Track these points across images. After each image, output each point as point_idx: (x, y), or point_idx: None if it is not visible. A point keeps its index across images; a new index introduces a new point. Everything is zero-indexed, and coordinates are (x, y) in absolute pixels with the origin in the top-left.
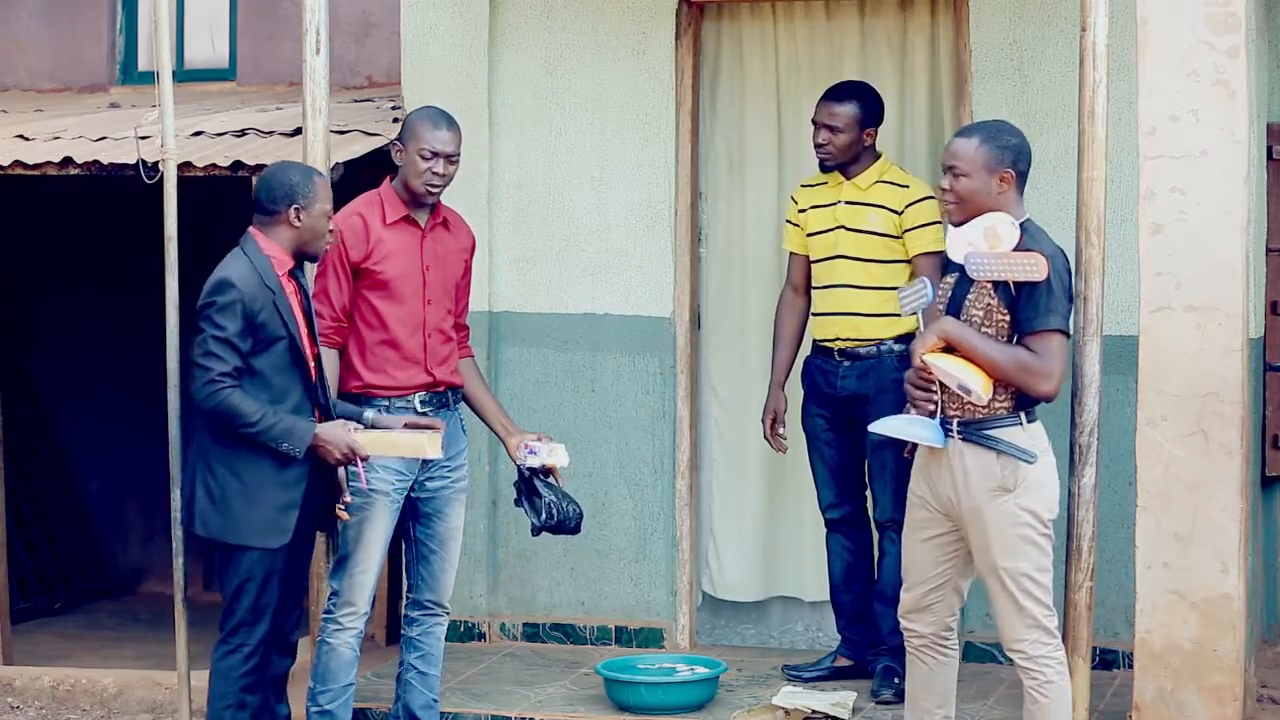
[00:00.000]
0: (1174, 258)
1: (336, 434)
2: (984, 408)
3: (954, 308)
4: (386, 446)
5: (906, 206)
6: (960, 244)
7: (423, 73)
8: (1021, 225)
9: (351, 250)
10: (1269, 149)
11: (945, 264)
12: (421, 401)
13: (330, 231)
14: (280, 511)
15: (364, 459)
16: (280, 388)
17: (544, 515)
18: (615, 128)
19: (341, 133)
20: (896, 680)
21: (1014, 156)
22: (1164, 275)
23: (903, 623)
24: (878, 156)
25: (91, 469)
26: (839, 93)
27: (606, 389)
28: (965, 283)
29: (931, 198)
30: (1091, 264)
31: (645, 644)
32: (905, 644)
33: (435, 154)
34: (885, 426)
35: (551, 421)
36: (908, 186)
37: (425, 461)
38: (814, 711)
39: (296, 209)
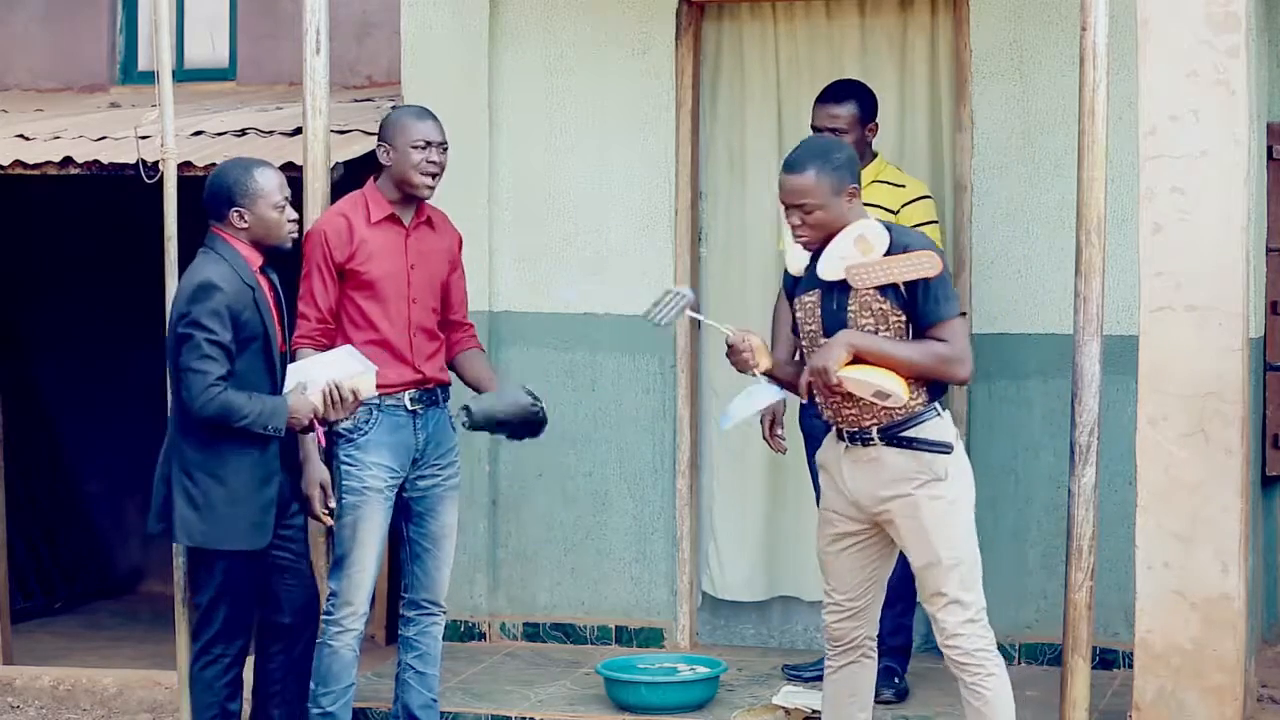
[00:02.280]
0: (1174, 258)
1: (300, 402)
2: (902, 408)
3: (835, 323)
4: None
5: (903, 206)
6: (834, 261)
7: (423, 73)
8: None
9: (336, 251)
10: (1269, 149)
11: (792, 284)
12: (412, 399)
13: (290, 221)
14: (263, 511)
15: (323, 422)
16: (253, 387)
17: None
18: (615, 128)
19: (341, 133)
20: (896, 680)
21: (850, 170)
22: (1164, 275)
23: (834, 631)
24: (874, 156)
25: (91, 469)
26: (836, 94)
27: (606, 389)
28: (838, 297)
29: (928, 197)
30: (1091, 264)
31: (645, 644)
32: (829, 654)
33: (429, 143)
34: (734, 415)
35: (551, 421)
36: (904, 186)
37: (415, 459)
38: (814, 711)
39: (238, 211)
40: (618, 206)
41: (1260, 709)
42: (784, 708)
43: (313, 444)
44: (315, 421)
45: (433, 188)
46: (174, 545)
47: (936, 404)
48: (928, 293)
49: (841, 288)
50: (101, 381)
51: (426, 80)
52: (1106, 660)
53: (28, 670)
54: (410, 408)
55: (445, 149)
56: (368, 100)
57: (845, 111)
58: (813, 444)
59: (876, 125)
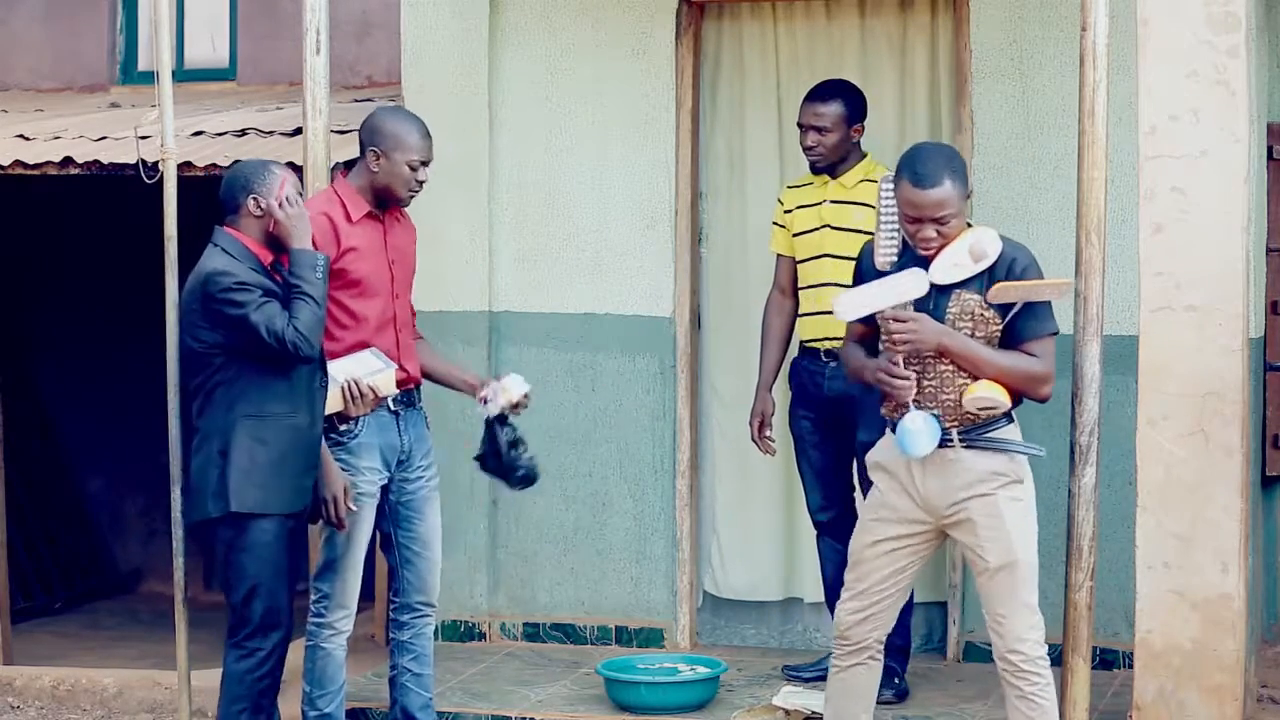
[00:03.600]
0: (1174, 258)
1: (288, 217)
2: (979, 413)
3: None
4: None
5: None
6: (948, 267)
7: (423, 73)
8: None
9: (326, 250)
10: (1269, 149)
11: (875, 277)
12: (394, 400)
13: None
14: (303, 475)
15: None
16: (294, 383)
17: (519, 472)
18: (615, 128)
19: (341, 133)
20: (896, 680)
21: (967, 179)
22: (1164, 275)
23: (845, 631)
24: (864, 156)
25: (91, 469)
26: (823, 93)
27: (606, 389)
28: (936, 298)
29: None
30: (1091, 264)
31: (645, 644)
32: (836, 653)
33: (424, 163)
34: (916, 446)
35: (551, 421)
36: None
37: (401, 460)
38: (814, 712)
39: (255, 198)
40: (618, 206)
41: (1260, 709)
42: (784, 708)
43: (326, 448)
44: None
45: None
46: (174, 545)
47: (1011, 413)
48: (1033, 307)
49: (941, 289)
50: (101, 381)
51: (426, 80)
52: (1106, 660)
53: (28, 670)
54: (393, 408)
55: (429, 165)
56: (368, 100)
57: (831, 110)
58: (802, 445)
59: (863, 127)
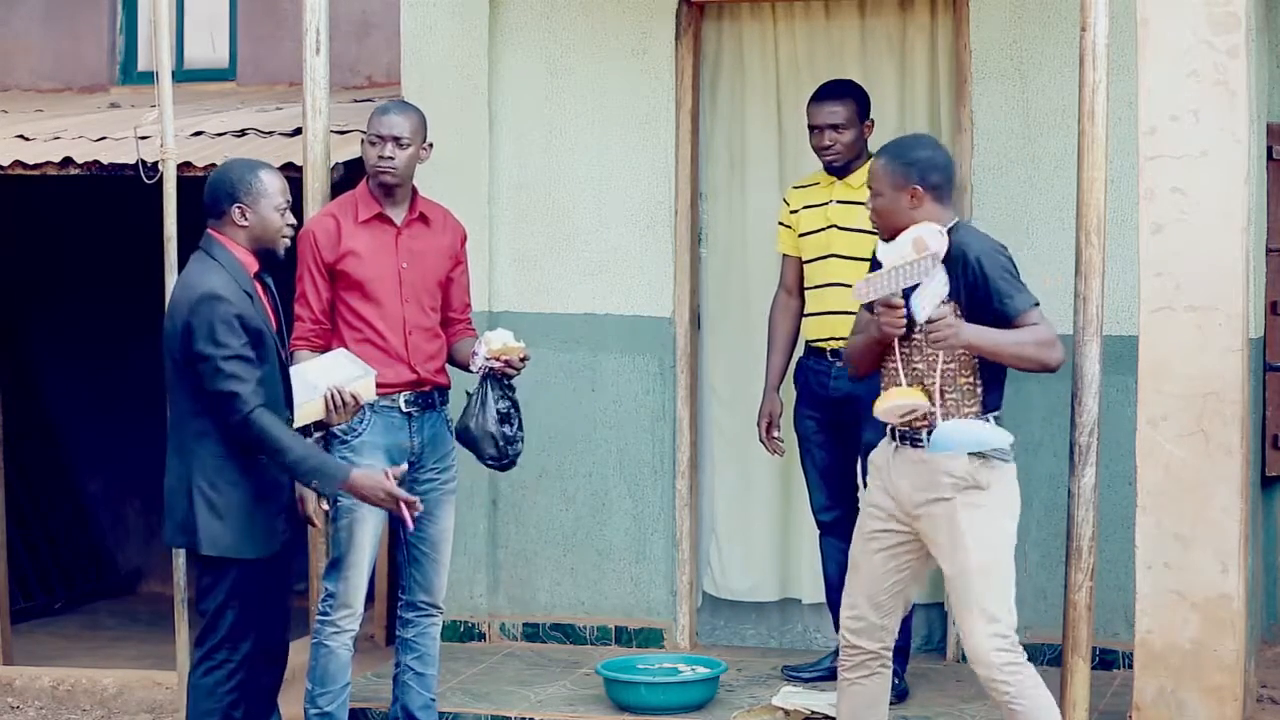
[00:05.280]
0: (1174, 258)
1: (373, 481)
2: (958, 410)
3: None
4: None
5: None
6: (893, 258)
7: (423, 73)
8: (951, 228)
9: (324, 251)
10: (1269, 149)
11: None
12: (407, 401)
13: (289, 225)
14: (276, 516)
15: (409, 503)
16: (270, 395)
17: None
18: (615, 128)
19: (341, 133)
20: (896, 681)
21: (920, 171)
22: (1164, 275)
23: (849, 639)
24: (870, 156)
25: (91, 469)
26: (834, 91)
27: (606, 389)
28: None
29: None
30: (1091, 264)
31: (645, 644)
32: (844, 664)
33: (381, 137)
34: (957, 442)
35: (551, 421)
36: None
37: (412, 463)
38: (814, 712)
39: (240, 208)
40: (618, 206)
41: (1260, 709)
42: (783, 708)
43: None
44: (401, 505)
45: (388, 178)
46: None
47: (992, 415)
48: (997, 290)
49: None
50: (102, 382)
51: (426, 80)
52: (1106, 660)
53: (28, 670)
54: (405, 409)
55: (404, 144)
56: (368, 100)
57: (845, 108)
58: (807, 445)
59: (873, 122)
